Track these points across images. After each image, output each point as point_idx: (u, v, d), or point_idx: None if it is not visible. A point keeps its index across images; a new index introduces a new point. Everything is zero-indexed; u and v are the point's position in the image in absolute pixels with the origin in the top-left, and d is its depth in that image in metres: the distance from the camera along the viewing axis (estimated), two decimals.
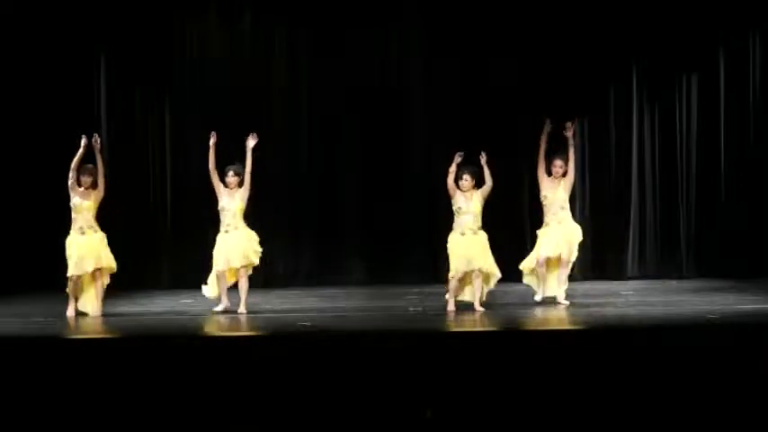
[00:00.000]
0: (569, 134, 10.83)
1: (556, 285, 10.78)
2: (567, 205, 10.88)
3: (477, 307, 10.34)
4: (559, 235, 10.76)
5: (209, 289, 10.67)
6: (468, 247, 10.44)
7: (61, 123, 13.09)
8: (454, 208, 10.52)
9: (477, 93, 13.79)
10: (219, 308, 10.52)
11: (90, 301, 10.45)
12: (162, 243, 13.79)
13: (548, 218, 10.82)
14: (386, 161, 13.87)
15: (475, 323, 9.69)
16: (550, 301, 10.68)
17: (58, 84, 13.56)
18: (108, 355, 8.17)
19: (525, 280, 11.02)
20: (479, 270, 10.39)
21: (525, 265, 10.94)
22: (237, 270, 10.57)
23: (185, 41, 14.06)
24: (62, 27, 13.55)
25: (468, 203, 10.49)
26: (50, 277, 11.04)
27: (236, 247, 10.54)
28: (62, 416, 7.65)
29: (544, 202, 10.84)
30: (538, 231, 10.95)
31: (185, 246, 13.27)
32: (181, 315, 10.70)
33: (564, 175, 10.79)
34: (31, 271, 12.82)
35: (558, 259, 10.78)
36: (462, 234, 10.48)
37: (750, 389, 7.62)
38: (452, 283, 10.47)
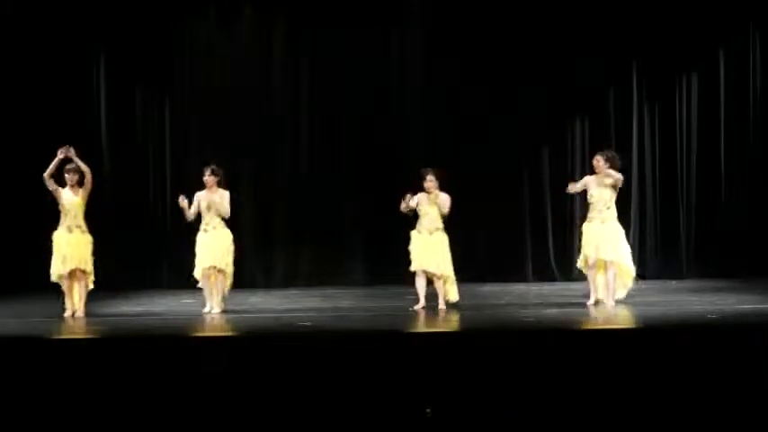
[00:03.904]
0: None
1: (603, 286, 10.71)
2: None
3: (441, 305, 10.43)
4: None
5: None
6: (424, 247, 10.56)
7: (61, 123, 13.08)
8: (418, 208, 10.61)
9: (478, 93, 13.78)
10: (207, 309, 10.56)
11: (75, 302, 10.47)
12: (162, 243, 13.78)
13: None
14: (385, 161, 13.85)
15: (475, 323, 9.69)
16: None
17: (59, 82, 13.56)
18: (108, 356, 8.16)
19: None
20: (426, 271, 10.50)
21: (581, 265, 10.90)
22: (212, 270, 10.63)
23: (185, 41, 14.06)
24: (62, 26, 13.56)
25: (429, 205, 10.57)
26: (48, 277, 10.97)
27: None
28: (62, 416, 7.65)
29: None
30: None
31: (185, 246, 13.24)
32: (180, 315, 10.69)
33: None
34: (31, 271, 12.79)
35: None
36: (419, 233, 10.61)
37: (750, 389, 7.62)
38: (417, 281, 10.59)
